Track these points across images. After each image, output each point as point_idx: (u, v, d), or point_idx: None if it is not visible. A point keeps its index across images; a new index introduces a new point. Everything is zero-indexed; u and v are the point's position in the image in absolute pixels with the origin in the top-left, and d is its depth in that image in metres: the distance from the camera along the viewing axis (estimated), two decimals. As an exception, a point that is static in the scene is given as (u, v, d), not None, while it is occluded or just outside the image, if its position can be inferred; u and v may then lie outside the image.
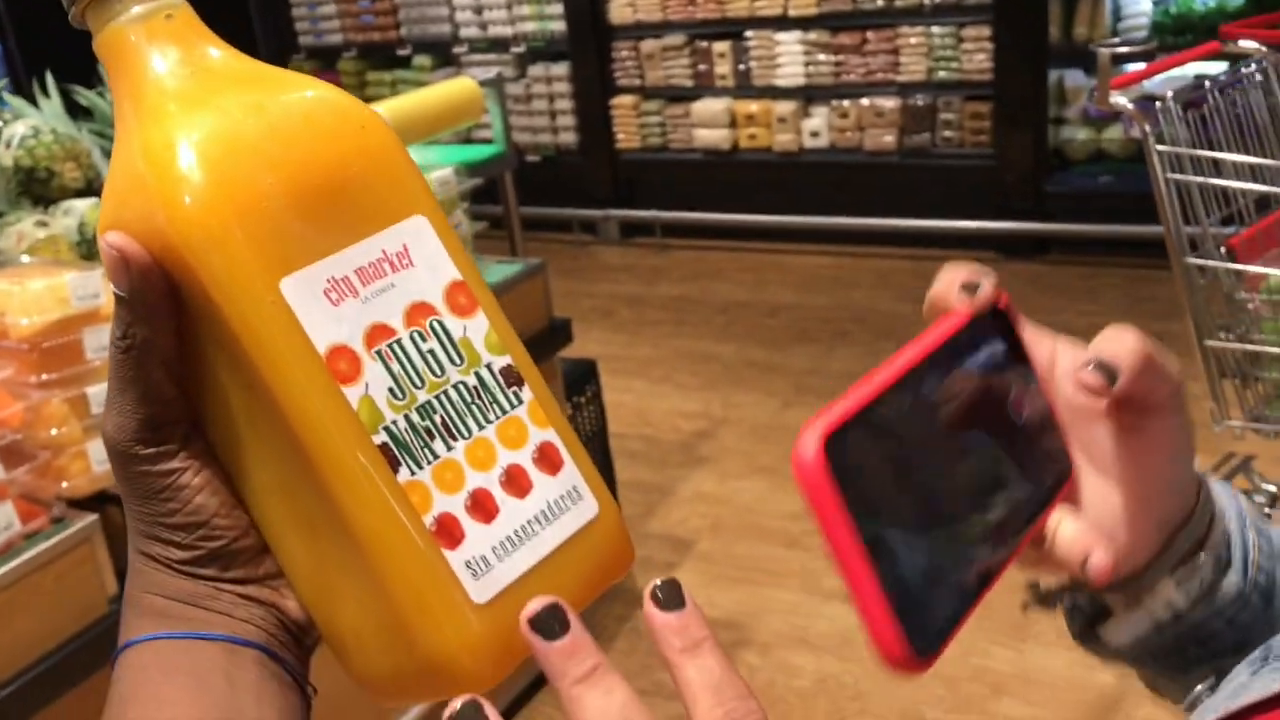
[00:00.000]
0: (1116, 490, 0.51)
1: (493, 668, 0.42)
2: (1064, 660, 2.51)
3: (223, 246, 0.40)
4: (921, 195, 4.99)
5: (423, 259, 0.44)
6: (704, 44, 5.53)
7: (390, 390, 0.42)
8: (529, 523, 0.45)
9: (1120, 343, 0.48)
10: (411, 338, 0.43)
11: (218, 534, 0.45)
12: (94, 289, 1.70)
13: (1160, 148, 2.14)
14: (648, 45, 5.65)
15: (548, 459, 0.46)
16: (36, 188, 2.20)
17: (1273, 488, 2.42)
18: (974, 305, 0.50)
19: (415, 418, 0.43)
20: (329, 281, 0.41)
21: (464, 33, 6.07)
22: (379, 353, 0.42)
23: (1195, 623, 0.56)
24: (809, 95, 5.34)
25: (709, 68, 5.55)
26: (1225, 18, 3.75)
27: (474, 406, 0.44)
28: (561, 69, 5.89)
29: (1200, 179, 2.09)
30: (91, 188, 2.28)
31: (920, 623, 0.44)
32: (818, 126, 5.28)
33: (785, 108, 5.34)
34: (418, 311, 0.44)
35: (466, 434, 0.44)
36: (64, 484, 1.62)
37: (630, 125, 5.81)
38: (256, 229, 0.40)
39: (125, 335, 0.42)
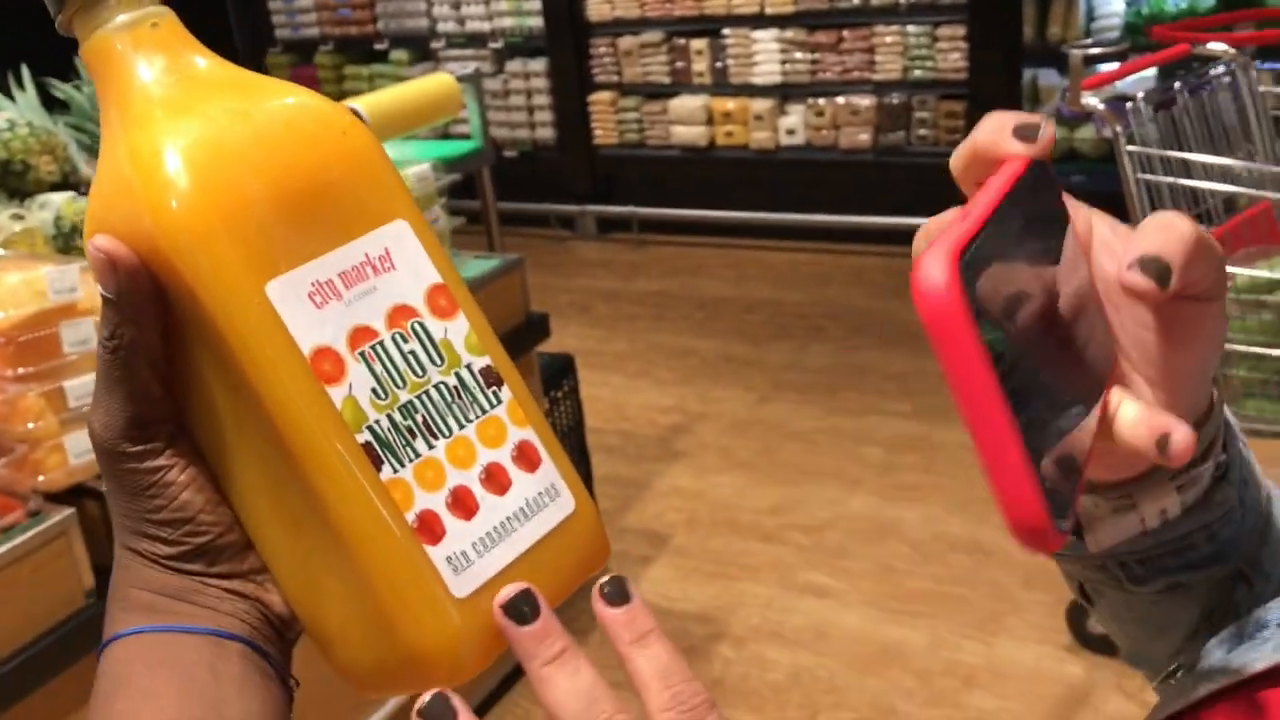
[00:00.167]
0: (1150, 377, 0.48)
1: (473, 659, 0.44)
2: (1034, 654, 2.54)
3: (209, 250, 0.41)
4: (896, 193, 5.03)
5: (404, 262, 0.45)
6: (681, 41, 5.55)
7: (373, 390, 0.44)
8: (508, 519, 0.46)
9: (1171, 233, 0.43)
10: (394, 339, 0.44)
11: (203, 530, 0.46)
12: (71, 283, 1.69)
13: (1131, 148, 2.17)
14: (625, 42, 5.66)
15: (526, 457, 0.47)
16: (12, 181, 2.20)
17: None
18: (1038, 148, 0.45)
19: (397, 417, 0.44)
20: (313, 285, 0.43)
21: (441, 27, 6.06)
22: (362, 354, 0.44)
23: (1181, 533, 0.55)
24: (785, 93, 5.36)
25: (686, 65, 5.56)
26: (1197, 18, 3.79)
27: (454, 406, 0.46)
28: (539, 65, 5.89)
29: (1170, 179, 2.12)
30: (68, 181, 2.28)
31: (1049, 489, 0.39)
32: (794, 124, 5.31)
33: (762, 105, 5.36)
34: (399, 314, 0.45)
35: (447, 433, 0.45)
36: (40, 478, 1.62)
37: (608, 121, 5.82)
38: (242, 233, 0.41)
39: (113, 336, 0.43)
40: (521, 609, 0.43)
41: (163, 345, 0.44)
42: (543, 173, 5.92)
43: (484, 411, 0.47)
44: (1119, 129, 2.18)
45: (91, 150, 2.39)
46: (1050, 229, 0.45)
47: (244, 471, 0.46)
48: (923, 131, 5.03)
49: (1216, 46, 2.57)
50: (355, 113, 1.91)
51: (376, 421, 0.43)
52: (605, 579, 0.45)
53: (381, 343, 0.44)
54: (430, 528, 0.44)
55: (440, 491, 0.45)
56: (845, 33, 5.12)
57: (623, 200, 5.83)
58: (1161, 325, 0.46)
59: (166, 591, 0.47)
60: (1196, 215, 2.16)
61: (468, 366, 0.46)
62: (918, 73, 5.00)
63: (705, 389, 4.06)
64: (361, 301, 0.44)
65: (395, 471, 0.44)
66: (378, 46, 6.27)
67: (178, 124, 0.42)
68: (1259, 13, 3.30)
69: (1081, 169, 4.69)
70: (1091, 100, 2.26)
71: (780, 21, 5.25)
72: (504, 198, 3.46)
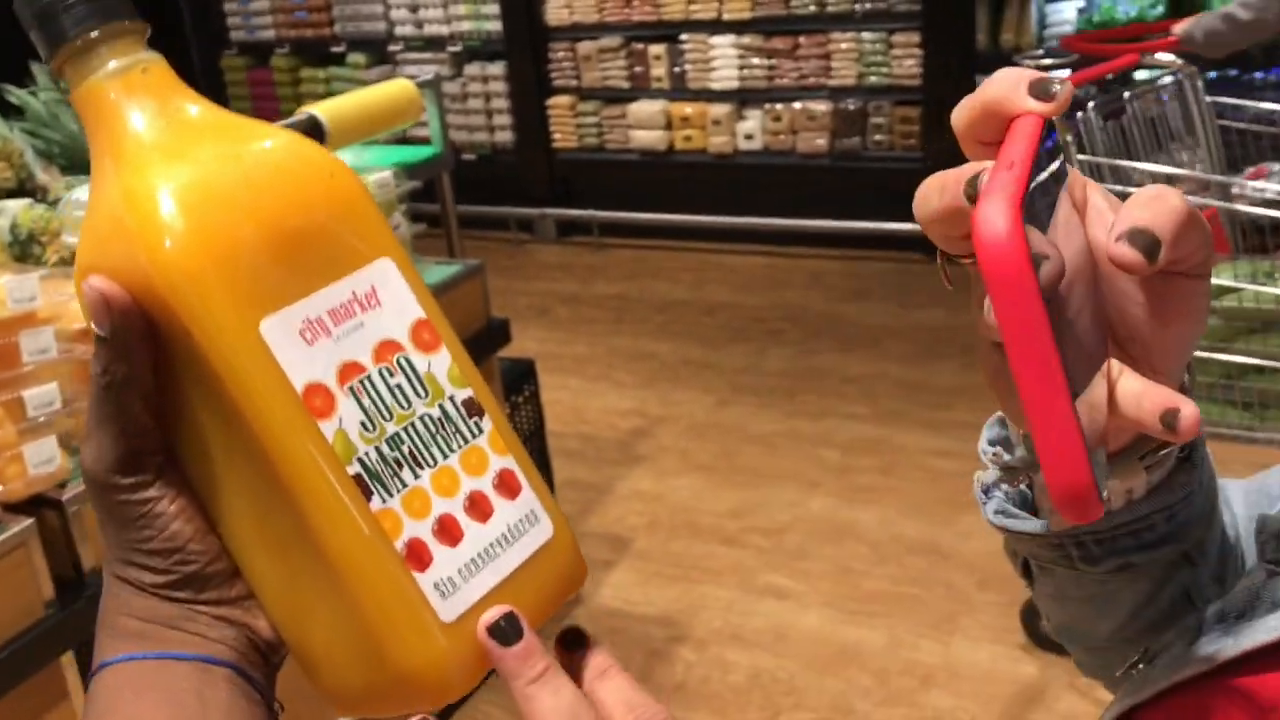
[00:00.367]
0: (1135, 352, 0.47)
1: (460, 680, 0.46)
2: (989, 653, 2.59)
3: (204, 291, 0.43)
4: (853, 197, 5.08)
5: (389, 299, 0.47)
6: (640, 46, 5.57)
7: (362, 424, 0.45)
8: (491, 545, 0.48)
9: (1161, 205, 0.42)
10: (380, 373, 0.46)
11: (192, 559, 0.48)
12: (30, 291, 1.68)
13: (1081, 157, 2.22)
14: (584, 46, 5.67)
15: (507, 485, 0.49)
16: (-33, 189, 2.17)
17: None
18: (1054, 106, 0.43)
19: (385, 449, 0.46)
20: (304, 322, 0.44)
21: (399, 31, 6.04)
22: (351, 388, 0.45)
23: (1142, 514, 0.55)
24: (743, 98, 5.40)
25: (645, 70, 5.58)
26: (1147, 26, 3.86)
27: (439, 437, 0.48)
28: (498, 69, 5.89)
29: (1120, 188, 2.17)
30: (24, 188, 2.25)
31: (1092, 457, 0.38)
32: (752, 129, 5.35)
33: (720, 110, 5.40)
34: (386, 349, 0.47)
35: (432, 463, 0.47)
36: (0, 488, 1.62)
37: (567, 125, 5.83)
38: (236, 273, 0.43)
39: (105, 372, 0.45)
40: (505, 631, 0.46)
41: (153, 379, 0.46)
42: (502, 176, 5.92)
43: (466, 441, 0.48)
44: (1069, 138, 2.23)
45: (47, 156, 2.37)
46: (1051, 191, 0.45)
47: (233, 500, 0.47)
48: (878, 137, 5.09)
49: (1164, 57, 2.64)
50: (315, 121, 1.90)
51: (366, 454, 0.45)
52: (563, 628, 0.47)
53: (369, 377, 0.46)
54: (418, 555, 0.46)
55: (427, 520, 0.46)
56: (801, 39, 5.16)
57: (582, 203, 5.84)
58: (1149, 300, 0.46)
59: (155, 619, 0.48)
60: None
61: (450, 398, 0.48)
62: (873, 79, 5.05)
63: (665, 392, 4.08)
64: (350, 337, 0.45)
65: (384, 502, 0.45)
66: (334, 49, 6.24)
67: (171, 168, 0.44)
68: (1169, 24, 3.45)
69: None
70: (1043, 111, 2.30)
71: (737, 27, 5.29)
72: (462, 201, 3.46)
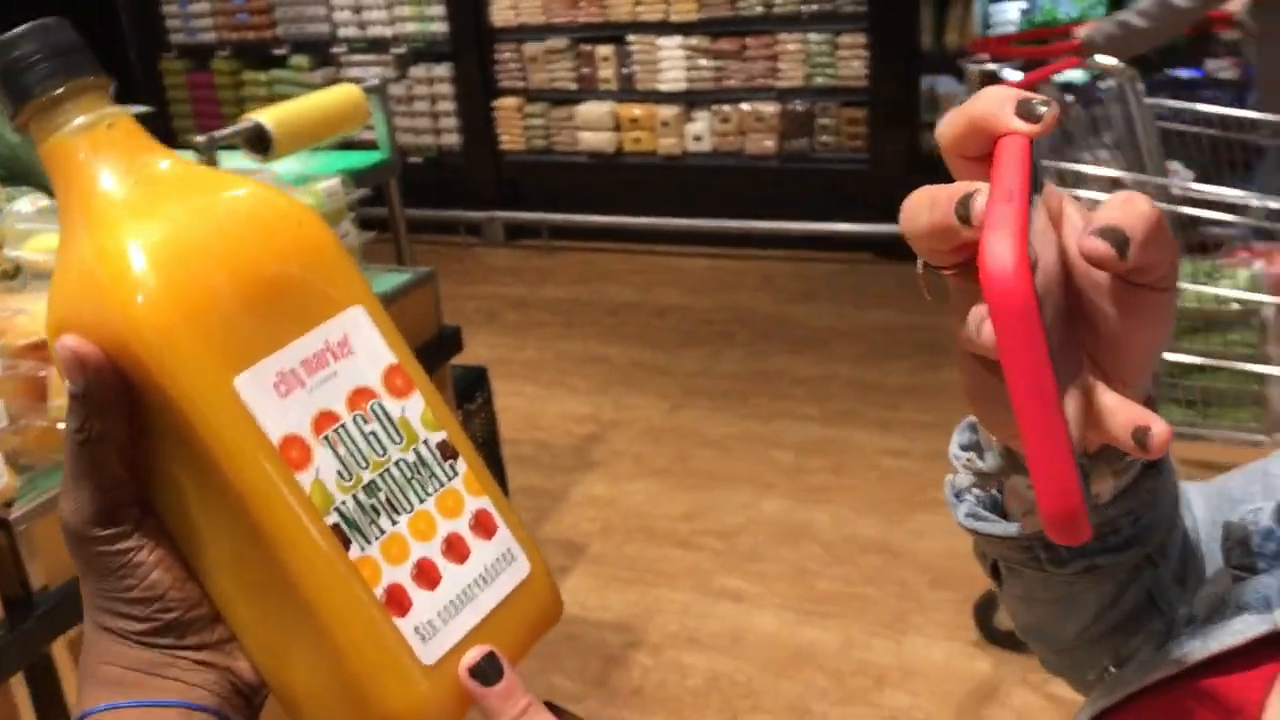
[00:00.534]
0: (1103, 365, 0.48)
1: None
2: (943, 651, 2.62)
3: (179, 347, 0.43)
4: (801, 199, 5.12)
5: (362, 346, 0.47)
6: (587, 48, 5.57)
7: (339, 473, 0.45)
8: (469, 586, 0.49)
9: (1132, 208, 0.44)
10: (355, 421, 0.46)
11: (173, 606, 0.48)
12: (-28, 312, 1.65)
13: (1027, 163, 2.25)
14: (530, 48, 5.66)
15: (483, 525, 0.50)
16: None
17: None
18: (1041, 128, 0.44)
19: (362, 497, 0.46)
20: (278, 374, 0.44)
21: (342, 33, 5.99)
22: (326, 438, 0.45)
23: (1108, 517, 0.57)
24: (691, 100, 5.42)
25: (592, 71, 5.58)
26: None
27: (414, 481, 0.48)
28: (444, 70, 5.86)
29: (1064, 190, 2.21)
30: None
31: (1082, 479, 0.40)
32: (700, 130, 5.37)
33: (668, 112, 5.41)
34: (359, 396, 0.47)
35: (409, 508, 0.47)
36: (-54, 514, 1.58)
37: (514, 127, 5.82)
38: (209, 329, 0.43)
39: (81, 429, 0.45)
40: (486, 672, 0.46)
41: (129, 431, 0.46)
42: (449, 179, 5.89)
43: (442, 485, 0.49)
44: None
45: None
46: (1033, 204, 0.45)
47: (212, 549, 0.47)
48: (826, 138, 5.13)
49: (1106, 61, 2.68)
50: (260, 129, 1.88)
51: (343, 503, 0.45)
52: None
53: (344, 426, 0.46)
54: (398, 601, 0.46)
55: (405, 565, 0.47)
56: (749, 40, 5.19)
57: (530, 206, 5.83)
58: (1118, 313, 0.47)
59: (137, 666, 0.48)
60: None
61: (425, 442, 0.49)
62: (820, 80, 5.09)
63: (618, 397, 4.09)
64: (323, 387, 0.46)
65: (363, 550, 0.46)
66: (276, 52, 6.18)
67: (141, 224, 0.44)
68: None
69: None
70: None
71: (684, 29, 5.31)
72: (409, 204, 3.43)
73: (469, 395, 3.06)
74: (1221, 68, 4.25)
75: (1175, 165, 2.85)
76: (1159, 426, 0.44)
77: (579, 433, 3.86)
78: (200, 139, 2.73)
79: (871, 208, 4.94)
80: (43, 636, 1.61)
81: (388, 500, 0.47)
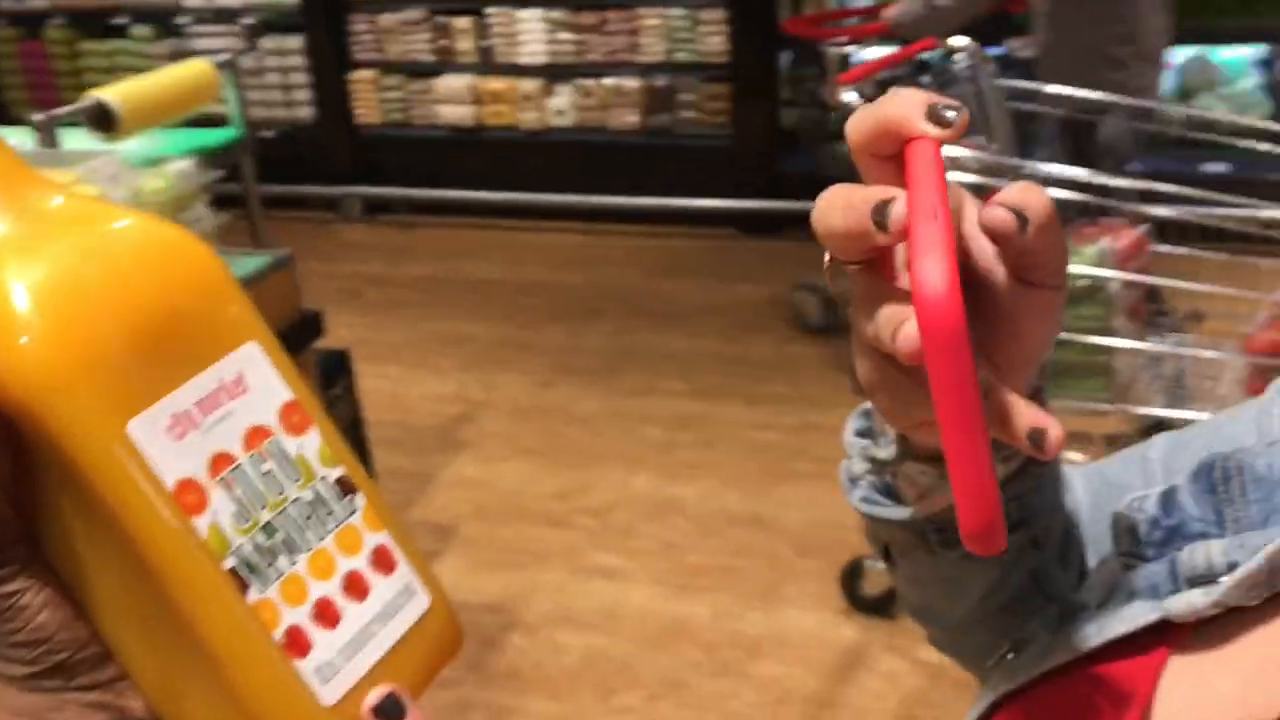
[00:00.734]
0: (997, 364, 0.49)
1: None
2: (812, 620, 2.70)
3: (68, 393, 0.40)
4: (665, 174, 5.14)
5: (257, 384, 0.46)
6: (444, 19, 5.47)
7: (235, 515, 0.44)
8: (370, 623, 0.48)
9: (1033, 193, 0.46)
10: (251, 461, 0.45)
11: (60, 648, 0.46)
12: None
13: (885, 144, 2.30)
14: (386, 19, 5.53)
15: (382, 561, 0.49)
16: None
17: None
18: (951, 133, 0.45)
19: (260, 538, 0.45)
20: (172, 417, 0.43)
21: (188, 2, 5.75)
22: (222, 480, 0.44)
23: None
24: (553, 74, 5.38)
25: (450, 43, 5.49)
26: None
27: (312, 519, 0.47)
28: (295, 41, 5.69)
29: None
30: None
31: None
32: (563, 105, 5.34)
33: (530, 85, 5.36)
34: (255, 435, 0.45)
35: (308, 547, 0.46)
36: None
37: (370, 100, 5.69)
38: (100, 373, 0.41)
39: None
40: (389, 710, 0.46)
41: (13, 470, 0.43)
42: (303, 153, 5.73)
43: (340, 522, 0.48)
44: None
45: None
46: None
47: (104, 592, 0.45)
48: (688, 114, 5.16)
49: (958, 41, 2.76)
50: (103, 107, 1.80)
51: (240, 546, 0.44)
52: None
53: (240, 466, 0.44)
54: (297, 642, 0.45)
55: (304, 605, 0.46)
56: (610, 14, 5.17)
57: (389, 181, 5.71)
58: (1011, 312, 0.48)
59: (24, 712, 0.46)
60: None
61: (323, 479, 0.47)
62: (681, 55, 5.11)
63: (486, 375, 4.06)
64: (218, 428, 0.44)
65: (261, 592, 0.44)
66: (116, 21, 5.88)
67: (25, 263, 0.41)
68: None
69: (839, 151, 4.92)
70: (849, 96, 2.39)
71: (545, 2, 5.26)
72: (261, 179, 3.33)
73: (331, 380, 2.99)
74: (1020, 47, 4.34)
75: (979, 138, 2.95)
76: (1055, 429, 0.45)
77: (446, 413, 3.82)
78: (39, 117, 2.59)
79: (735, 184, 4.99)
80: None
81: (286, 540, 0.45)
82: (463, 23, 5.43)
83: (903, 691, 2.45)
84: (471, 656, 2.67)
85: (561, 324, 4.44)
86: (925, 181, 0.43)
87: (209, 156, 2.67)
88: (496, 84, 5.42)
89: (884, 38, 3.57)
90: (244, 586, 0.44)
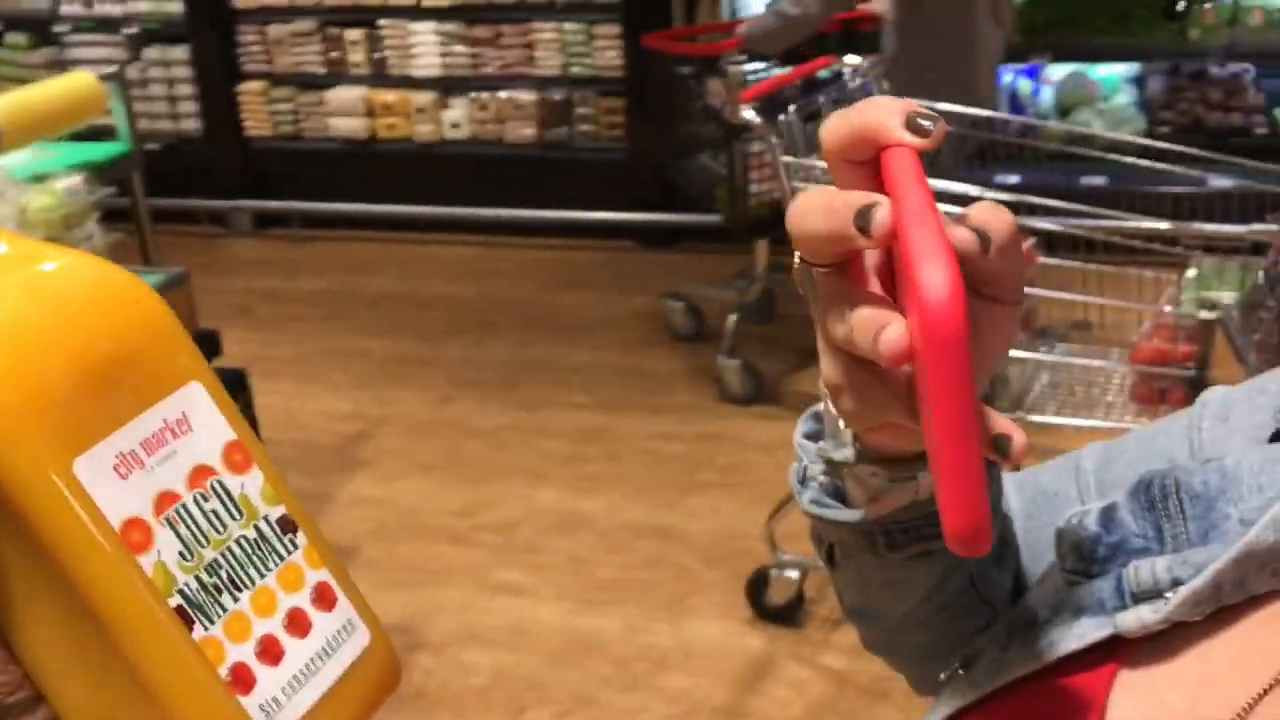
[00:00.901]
0: None
1: None
2: (719, 630, 2.72)
3: (14, 433, 0.40)
4: (562, 187, 5.15)
5: (200, 423, 0.46)
6: (336, 31, 5.40)
7: (180, 553, 0.44)
8: (312, 660, 0.48)
9: (996, 213, 0.46)
10: (195, 500, 0.45)
11: None
12: None
13: (786, 159, 2.35)
14: (275, 30, 5.44)
15: (324, 598, 0.50)
16: None
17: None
18: (929, 143, 0.46)
19: (204, 576, 0.45)
20: (118, 457, 0.43)
21: (65, 9, 5.57)
22: (167, 518, 0.44)
23: None
24: (447, 86, 5.35)
25: (342, 55, 5.42)
26: (870, 19, 4.09)
27: (255, 557, 0.47)
28: (181, 52, 5.55)
29: (821, 188, 2.32)
30: None
31: None
32: (458, 118, 5.31)
33: (423, 98, 5.32)
34: (199, 474, 0.46)
35: (250, 584, 0.47)
36: None
37: (260, 112, 5.58)
38: (46, 412, 0.41)
39: None
40: None
41: None
42: (190, 166, 5.58)
43: (282, 559, 0.48)
44: (775, 140, 2.36)
45: None
46: None
47: (40, 632, 0.45)
48: (584, 127, 5.17)
49: (852, 59, 2.83)
50: None
51: (186, 584, 0.44)
52: None
53: (185, 505, 0.45)
54: (242, 679, 0.46)
55: (248, 642, 0.46)
56: (504, 28, 5.17)
57: (280, 195, 5.61)
58: (971, 324, 0.49)
59: None
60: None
61: (265, 517, 0.48)
62: (576, 69, 5.13)
63: (382, 391, 4.01)
64: (163, 466, 0.44)
65: (206, 630, 0.45)
66: (-12, 28, 5.68)
67: None
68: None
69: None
70: (750, 114, 2.43)
71: (438, 14, 5.23)
72: (147, 193, 3.25)
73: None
74: (869, 65, 4.44)
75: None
76: (1020, 437, 0.47)
77: (343, 430, 3.76)
78: (-87, 132, 2.49)
79: (632, 196, 5.02)
80: None
81: (229, 578, 0.46)
82: (355, 34, 5.37)
83: (809, 699, 2.49)
84: (376, 678, 2.63)
85: (459, 338, 4.41)
86: (911, 187, 0.44)
87: (97, 171, 2.59)
88: (390, 96, 5.37)
89: (744, 52, 3.67)
90: (189, 624, 0.44)
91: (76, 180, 2.28)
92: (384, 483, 3.44)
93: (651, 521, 3.15)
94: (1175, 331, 2.01)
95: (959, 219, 0.46)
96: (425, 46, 5.28)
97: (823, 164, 2.27)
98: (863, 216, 0.45)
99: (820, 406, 0.62)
